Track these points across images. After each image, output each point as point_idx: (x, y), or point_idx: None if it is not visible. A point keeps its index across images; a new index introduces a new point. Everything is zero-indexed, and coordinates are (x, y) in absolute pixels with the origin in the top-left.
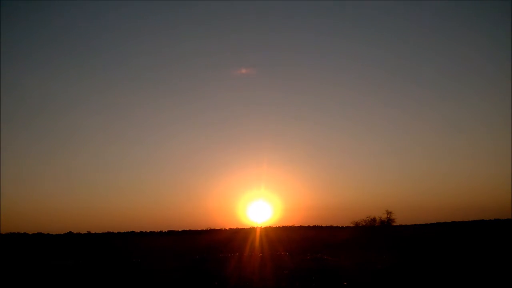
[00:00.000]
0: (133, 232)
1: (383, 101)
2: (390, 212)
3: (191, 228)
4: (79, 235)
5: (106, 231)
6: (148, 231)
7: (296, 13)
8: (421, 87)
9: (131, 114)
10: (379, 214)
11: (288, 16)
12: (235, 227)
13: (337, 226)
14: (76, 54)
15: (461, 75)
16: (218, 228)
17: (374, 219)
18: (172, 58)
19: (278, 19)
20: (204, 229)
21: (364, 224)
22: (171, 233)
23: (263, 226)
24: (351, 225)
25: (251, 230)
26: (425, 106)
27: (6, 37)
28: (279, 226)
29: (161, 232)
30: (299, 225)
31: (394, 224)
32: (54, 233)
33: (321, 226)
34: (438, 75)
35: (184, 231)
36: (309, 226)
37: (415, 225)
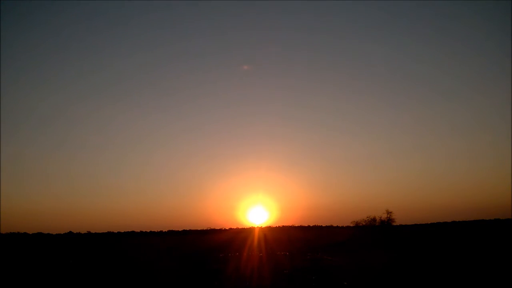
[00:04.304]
0: (133, 232)
1: (383, 102)
2: (390, 212)
3: (191, 228)
4: (79, 235)
5: (106, 231)
6: (148, 231)
7: (297, 13)
8: (421, 88)
9: (131, 116)
10: (379, 214)
11: (289, 16)
12: (235, 227)
13: (337, 226)
14: (75, 54)
15: (461, 76)
16: (218, 228)
17: (374, 219)
18: (171, 61)
19: (278, 19)
20: (204, 229)
21: (364, 224)
22: (171, 233)
23: (263, 226)
24: (351, 225)
25: (251, 230)
26: (424, 107)
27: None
28: (279, 226)
29: (161, 232)
30: (299, 225)
31: (394, 224)
32: (54, 233)
33: (321, 226)
34: (438, 76)
35: (184, 231)
36: (309, 226)
37: (415, 225)
